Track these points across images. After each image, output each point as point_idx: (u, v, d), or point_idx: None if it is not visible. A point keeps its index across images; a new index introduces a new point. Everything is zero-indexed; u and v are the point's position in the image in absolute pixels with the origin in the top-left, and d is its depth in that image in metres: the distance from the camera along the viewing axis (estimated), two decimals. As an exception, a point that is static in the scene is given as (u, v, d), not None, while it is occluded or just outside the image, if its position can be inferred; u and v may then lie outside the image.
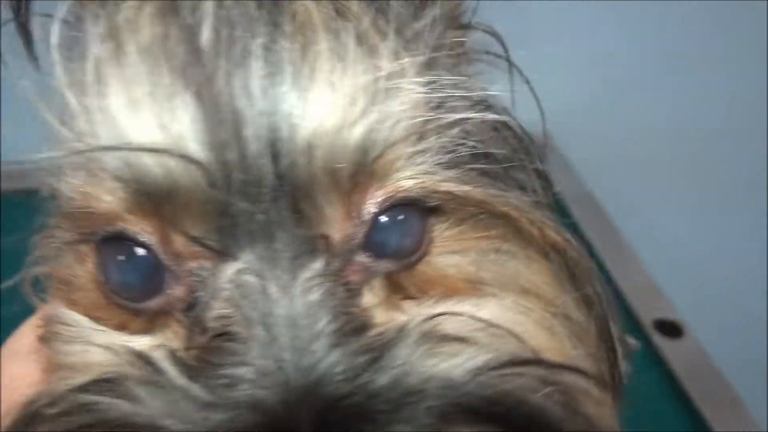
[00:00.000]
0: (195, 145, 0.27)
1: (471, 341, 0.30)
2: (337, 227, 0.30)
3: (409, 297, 0.31)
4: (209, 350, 0.27)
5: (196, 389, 0.26)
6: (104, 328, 0.30)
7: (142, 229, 0.29)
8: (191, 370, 0.27)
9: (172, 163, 0.27)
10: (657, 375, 0.77)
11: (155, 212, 0.28)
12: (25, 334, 0.35)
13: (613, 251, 0.89)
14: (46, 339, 0.32)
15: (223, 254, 0.28)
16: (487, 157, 0.34)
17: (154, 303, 0.30)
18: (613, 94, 1.05)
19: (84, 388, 0.28)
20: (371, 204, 0.30)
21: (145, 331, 0.30)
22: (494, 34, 0.38)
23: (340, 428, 0.25)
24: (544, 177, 0.37)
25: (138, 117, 0.27)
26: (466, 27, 0.37)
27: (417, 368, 0.27)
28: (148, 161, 0.27)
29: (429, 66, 0.31)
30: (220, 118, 0.27)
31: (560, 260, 0.34)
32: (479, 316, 0.31)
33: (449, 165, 0.31)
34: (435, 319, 0.30)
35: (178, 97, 0.27)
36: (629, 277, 0.86)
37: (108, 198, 0.28)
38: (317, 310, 0.27)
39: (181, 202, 0.28)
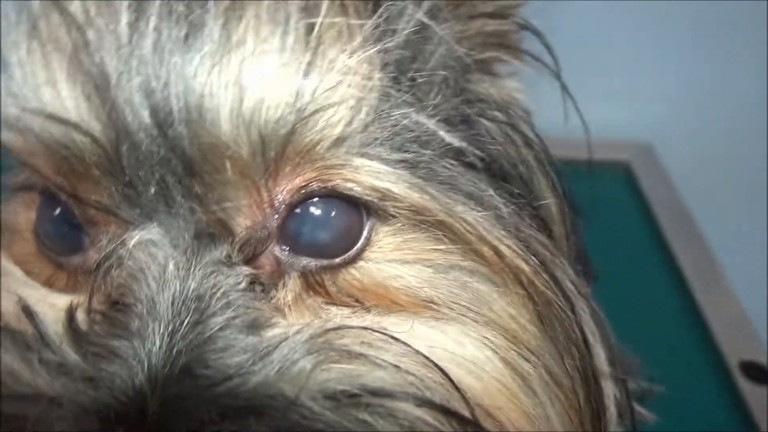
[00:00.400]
0: (84, 111, 0.27)
1: (369, 362, 0.26)
2: (246, 213, 0.28)
3: (336, 304, 0.28)
4: (103, 316, 0.27)
5: (67, 352, 0.26)
6: (33, 282, 0.30)
7: (62, 191, 0.29)
8: (77, 333, 0.27)
9: (69, 133, 0.27)
10: (737, 422, 0.70)
11: (67, 176, 0.28)
12: None
13: (704, 275, 0.83)
14: None
15: (128, 222, 0.28)
16: (460, 157, 0.30)
17: (74, 260, 0.30)
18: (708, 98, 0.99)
19: None
20: (287, 191, 0.28)
21: (68, 289, 0.30)
22: (536, 33, 0.35)
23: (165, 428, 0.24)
24: (554, 188, 0.34)
25: (50, 90, 0.27)
26: (507, 18, 0.34)
27: (279, 378, 0.25)
28: (54, 130, 0.27)
29: (390, 43, 0.28)
30: (105, 85, 0.26)
31: (527, 295, 0.29)
32: (407, 340, 0.27)
33: (387, 160, 0.28)
34: (341, 331, 0.27)
35: (74, 67, 0.27)
36: (719, 307, 0.79)
37: (35, 158, 0.28)
38: (208, 297, 0.26)
39: (83, 168, 0.27)
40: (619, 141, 0.94)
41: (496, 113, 0.33)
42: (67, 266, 0.30)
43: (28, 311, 0.28)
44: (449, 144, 0.29)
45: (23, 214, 0.32)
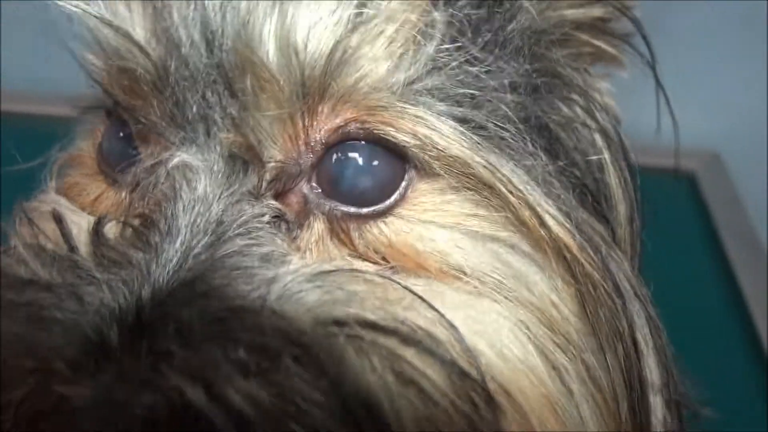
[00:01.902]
0: (140, 26, 0.28)
1: (371, 302, 0.25)
2: (281, 146, 0.27)
3: (361, 257, 0.27)
4: (133, 230, 0.27)
5: (82, 253, 0.27)
6: (74, 207, 0.31)
7: (121, 106, 0.30)
8: (102, 241, 0.27)
9: (131, 48, 0.28)
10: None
11: (127, 92, 0.29)
12: None
13: (763, 293, 0.80)
14: (26, 214, 0.32)
15: (172, 144, 0.28)
16: (517, 124, 0.28)
17: (127, 176, 0.30)
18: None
19: (5, 251, 0.29)
20: (325, 130, 0.27)
21: (111, 208, 0.31)
22: (635, 22, 0.34)
23: (160, 335, 0.24)
24: (625, 189, 0.32)
25: (123, 6, 0.28)
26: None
27: (276, 302, 0.25)
28: (120, 46, 0.28)
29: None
30: (163, 5, 0.27)
31: (571, 274, 0.27)
32: (422, 295, 0.26)
33: (439, 111, 0.27)
34: (353, 273, 0.26)
35: None
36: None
37: (103, 74, 0.30)
38: (228, 224, 0.26)
39: (136, 83, 0.28)
40: (685, 148, 0.91)
41: (574, 95, 0.32)
42: (120, 182, 0.31)
43: (57, 216, 0.29)
44: (511, 109, 0.28)
45: (86, 144, 0.34)
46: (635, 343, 0.29)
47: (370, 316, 0.25)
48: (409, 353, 0.25)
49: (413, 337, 0.25)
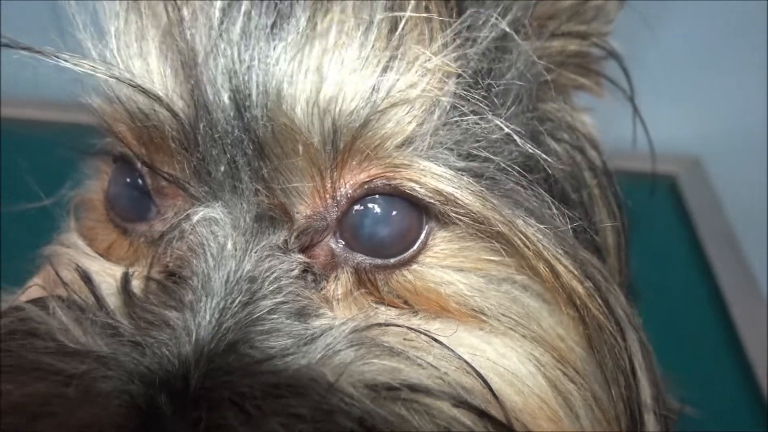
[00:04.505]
0: (171, 87, 0.28)
1: (409, 360, 0.26)
2: (308, 201, 0.28)
3: (386, 303, 0.28)
4: (159, 285, 0.28)
5: (118, 317, 0.27)
6: (93, 254, 0.31)
7: (139, 159, 0.30)
8: (131, 299, 0.27)
9: (153, 105, 0.28)
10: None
11: (146, 146, 0.29)
12: None
13: (744, 296, 0.81)
14: (49, 258, 0.33)
15: (196, 198, 0.29)
16: (525, 172, 0.29)
17: (139, 228, 0.31)
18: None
19: (32, 302, 0.28)
20: (351, 185, 0.28)
21: (126, 258, 0.31)
22: (616, 57, 0.35)
23: (213, 406, 0.24)
24: (614, 219, 0.34)
25: (140, 62, 0.28)
26: (585, 37, 0.35)
27: (321, 364, 0.25)
28: (139, 100, 0.28)
29: (469, 50, 0.28)
30: (191, 63, 0.27)
31: (579, 317, 0.29)
32: (451, 344, 0.27)
33: (455, 167, 0.28)
34: (388, 327, 0.27)
35: (167, 44, 0.28)
36: (757, 328, 0.77)
37: (118, 125, 0.30)
38: (260, 280, 0.27)
39: (161, 140, 0.28)
40: (666, 153, 0.92)
41: (564, 134, 0.34)
42: (131, 232, 0.31)
43: (85, 276, 0.29)
44: (515, 158, 0.29)
45: (96, 185, 0.34)
46: (633, 369, 0.31)
47: (421, 381, 0.26)
48: (455, 412, 0.26)
49: (459, 397, 0.26)
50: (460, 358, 0.27)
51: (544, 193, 0.30)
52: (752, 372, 0.73)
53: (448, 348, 0.27)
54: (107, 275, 0.29)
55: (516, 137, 0.29)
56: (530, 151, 0.30)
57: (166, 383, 0.24)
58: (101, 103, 0.30)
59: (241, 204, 0.28)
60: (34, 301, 0.28)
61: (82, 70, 0.29)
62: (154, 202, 0.30)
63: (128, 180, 0.31)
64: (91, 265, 0.30)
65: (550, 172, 0.31)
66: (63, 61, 0.29)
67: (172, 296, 0.27)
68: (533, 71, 0.31)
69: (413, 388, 0.26)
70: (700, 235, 0.87)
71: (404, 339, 0.27)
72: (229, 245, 0.27)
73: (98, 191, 0.33)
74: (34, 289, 0.31)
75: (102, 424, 0.24)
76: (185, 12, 0.28)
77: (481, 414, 0.26)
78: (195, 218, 0.28)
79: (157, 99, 0.28)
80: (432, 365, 0.27)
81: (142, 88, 0.28)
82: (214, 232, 0.28)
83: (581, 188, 0.33)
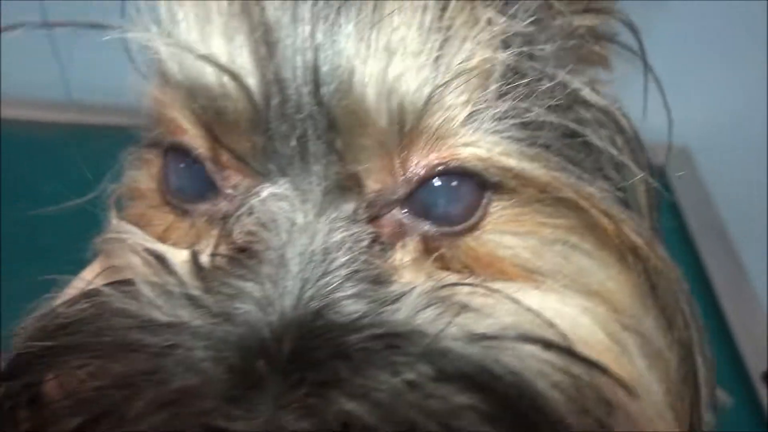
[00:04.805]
0: (243, 63, 0.28)
1: (487, 314, 0.27)
2: (376, 177, 0.29)
3: (449, 269, 0.29)
4: (230, 260, 0.28)
5: (197, 291, 0.27)
6: (149, 237, 0.31)
7: (198, 142, 0.30)
8: (204, 273, 0.28)
9: (220, 78, 0.28)
10: (757, 430, 0.69)
11: (209, 125, 0.30)
12: None
13: (733, 285, 0.82)
14: (102, 247, 0.33)
15: (262, 175, 0.29)
16: (573, 138, 0.31)
17: (201, 207, 0.31)
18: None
19: (104, 287, 0.29)
20: (420, 165, 0.29)
21: (186, 239, 0.31)
22: (632, 28, 0.36)
23: (314, 363, 0.25)
24: (646, 182, 0.35)
25: (206, 37, 0.29)
26: (600, 12, 0.36)
27: (409, 323, 0.26)
28: (207, 76, 0.29)
29: (521, 34, 0.29)
30: (269, 40, 0.28)
31: (641, 268, 0.31)
32: (519, 299, 0.28)
33: (517, 138, 0.29)
34: (457, 287, 0.28)
35: (237, 23, 0.29)
36: (745, 317, 0.79)
37: (172, 108, 0.30)
38: (334, 250, 0.27)
39: (228, 117, 0.29)
40: (654, 143, 0.93)
41: (597, 100, 0.34)
42: (192, 213, 0.31)
43: (158, 255, 0.29)
44: (562, 126, 0.31)
45: (143, 175, 0.34)
46: (687, 325, 0.33)
47: (508, 331, 0.27)
48: (547, 355, 0.27)
49: (547, 341, 0.27)
50: (530, 309, 0.28)
51: (589, 159, 0.32)
52: (742, 361, 0.74)
53: (515, 300, 0.28)
54: (173, 255, 0.29)
55: (584, 89, 0.31)
56: (600, 103, 0.32)
57: (261, 349, 0.25)
58: (155, 90, 0.30)
59: (310, 178, 0.28)
60: (110, 285, 0.29)
61: (154, 45, 0.29)
62: (216, 182, 0.31)
63: (181, 165, 0.32)
64: (155, 246, 0.31)
65: (589, 136, 0.32)
66: (130, 35, 0.29)
67: (250, 269, 0.27)
68: (566, 47, 0.33)
69: (506, 336, 0.27)
70: (689, 225, 0.89)
71: (477, 297, 0.28)
72: (300, 219, 0.28)
73: (146, 179, 0.34)
74: (95, 275, 0.32)
75: (204, 391, 0.24)
76: None
77: (571, 354, 0.27)
78: (264, 194, 0.28)
79: (233, 74, 0.28)
80: (509, 317, 0.28)
81: (218, 63, 0.28)
82: (285, 207, 0.28)
83: (613, 152, 0.34)
